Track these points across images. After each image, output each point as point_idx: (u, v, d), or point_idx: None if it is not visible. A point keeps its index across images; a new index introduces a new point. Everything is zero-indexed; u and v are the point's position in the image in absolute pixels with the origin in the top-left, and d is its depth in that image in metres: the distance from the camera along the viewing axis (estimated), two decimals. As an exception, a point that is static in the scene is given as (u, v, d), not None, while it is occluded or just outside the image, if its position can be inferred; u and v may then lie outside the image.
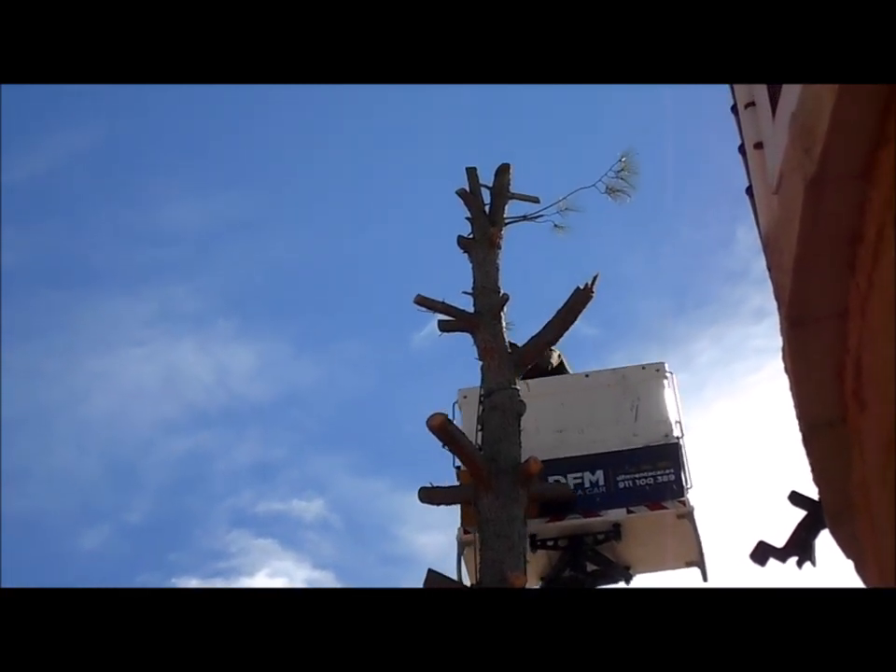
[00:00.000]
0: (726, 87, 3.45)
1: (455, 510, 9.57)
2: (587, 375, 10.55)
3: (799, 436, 2.97)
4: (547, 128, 23.08)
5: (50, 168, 24.18)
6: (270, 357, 25.81)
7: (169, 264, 25.61)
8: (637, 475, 9.62)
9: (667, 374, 10.36)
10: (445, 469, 9.60)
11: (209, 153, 25.06)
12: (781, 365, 2.96)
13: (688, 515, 9.46)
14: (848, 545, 3.06)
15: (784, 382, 2.97)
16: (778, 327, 2.88)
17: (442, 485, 9.47)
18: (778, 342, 2.92)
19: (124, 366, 25.87)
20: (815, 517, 3.26)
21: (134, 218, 24.42)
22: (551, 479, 9.35)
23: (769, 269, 2.92)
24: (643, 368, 10.40)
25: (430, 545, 25.30)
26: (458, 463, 9.85)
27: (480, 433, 9.26)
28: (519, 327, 10.23)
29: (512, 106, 21.70)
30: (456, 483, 9.65)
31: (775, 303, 2.91)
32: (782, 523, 3.38)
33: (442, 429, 8.67)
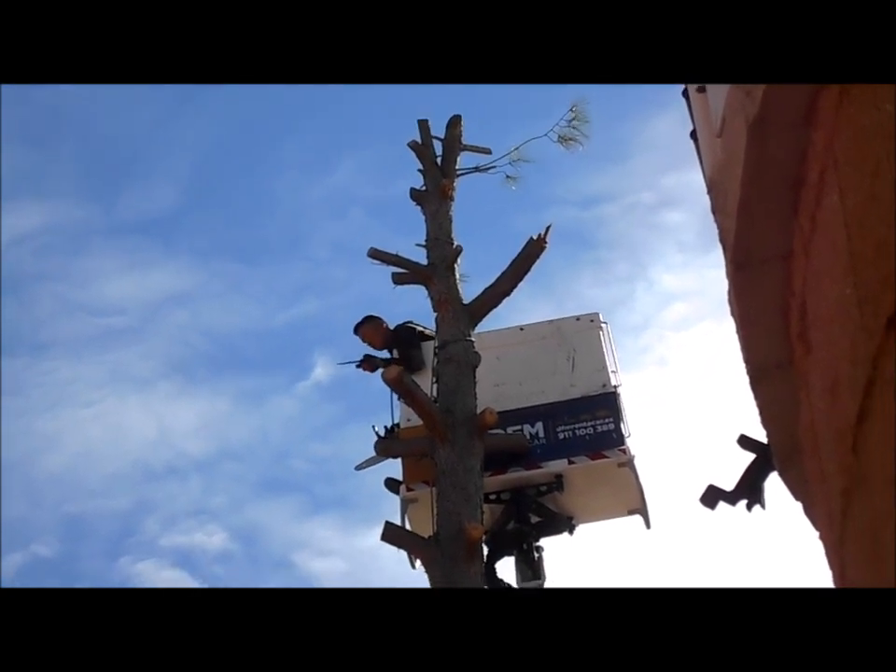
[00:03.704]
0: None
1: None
2: (522, 329, 10.56)
3: (747, 379, 2.98)
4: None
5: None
6: (209, 414, 27.54)
7: (114, 333, 27.63)
8: (576, 425, 9.68)
9: (602, 325, 10.41)
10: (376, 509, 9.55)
11: (141, 231, 27.09)
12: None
13: (628, 463, 9.55)
14: (797, 487, 3.08)
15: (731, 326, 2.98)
16: (724, 271, 2.88)
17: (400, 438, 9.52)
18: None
19: (74, 426, 27.60)
20: (764, 460, 3.28)
21: (79, 294, 26.51)
22: (489, 432, 9.37)
23: (714, 212, 2.91)
24: (577, 319, 10.44)
25: (328, 570, 26.56)
26: (397, 420, 9.86)
27: (435, 385, 9.27)
28: (473, 278, 10.25)
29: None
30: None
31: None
32: (732, 467, 3.40)
33: (398, 382, 8.65)
